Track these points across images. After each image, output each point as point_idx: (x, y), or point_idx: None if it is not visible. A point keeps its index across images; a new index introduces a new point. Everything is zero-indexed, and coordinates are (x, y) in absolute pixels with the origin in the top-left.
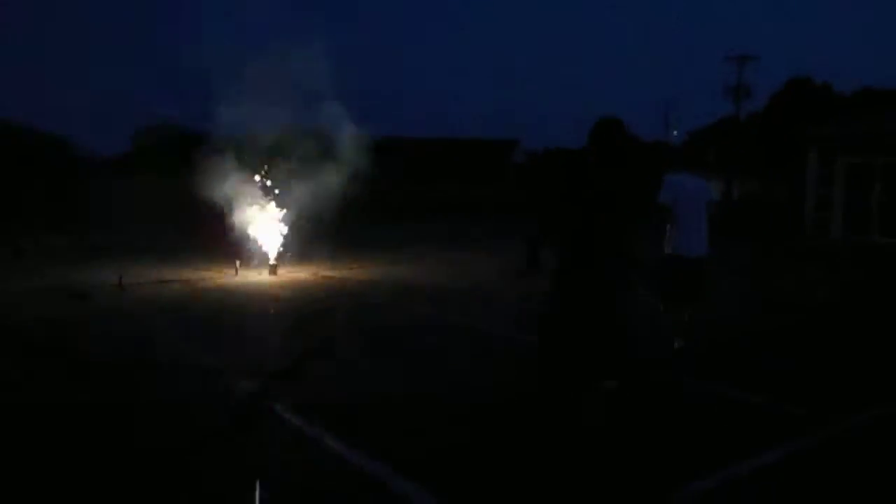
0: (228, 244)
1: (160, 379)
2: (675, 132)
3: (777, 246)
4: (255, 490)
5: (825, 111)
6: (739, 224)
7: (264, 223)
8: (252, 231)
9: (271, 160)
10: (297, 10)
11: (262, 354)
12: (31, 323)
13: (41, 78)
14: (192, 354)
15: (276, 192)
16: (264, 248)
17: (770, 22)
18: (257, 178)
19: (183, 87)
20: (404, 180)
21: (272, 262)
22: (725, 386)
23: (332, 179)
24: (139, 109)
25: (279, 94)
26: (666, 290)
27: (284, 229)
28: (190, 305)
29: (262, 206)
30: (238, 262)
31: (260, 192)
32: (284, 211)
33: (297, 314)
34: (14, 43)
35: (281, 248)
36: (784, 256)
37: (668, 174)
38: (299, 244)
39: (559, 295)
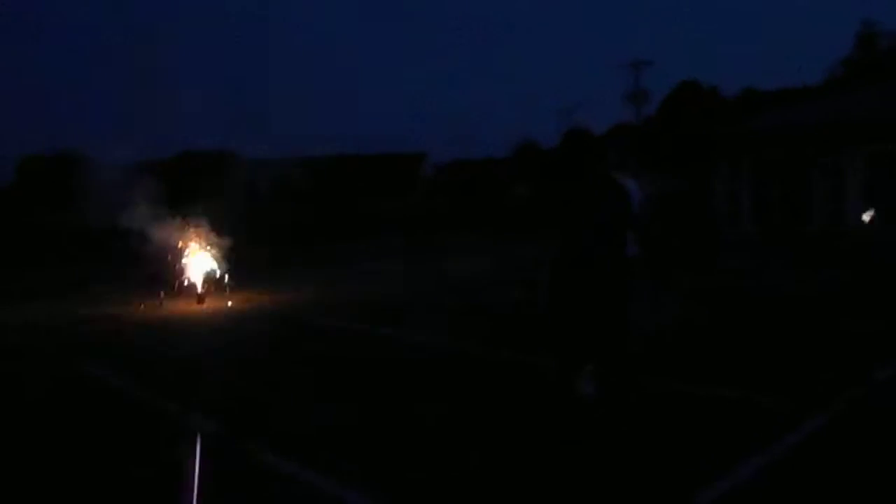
0: (148, 275)
1: (115, 423)
2: None
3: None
4: None
5: (715, 113)
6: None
7: (186, 251)
8: (173, 260)
9: (178, 185)
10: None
11: (212, 391)
12: None
13: None
14: (131, 393)
15: (191, 218)
16: (188, 277)
17: (663, 28)
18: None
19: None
20: (313, 199)
21: (199, 290)
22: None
23: (241, 203)
24: (24, 137)
25: (173, 115)
26: None
27: (208, 257)
28: (114, 341)
29: (182, 234)
30: (161, 294)
31: (175, 220)
32: (203, 238)
33: (234, 345)
34: None
35: (206, 276)
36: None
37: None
38: (223, 271)
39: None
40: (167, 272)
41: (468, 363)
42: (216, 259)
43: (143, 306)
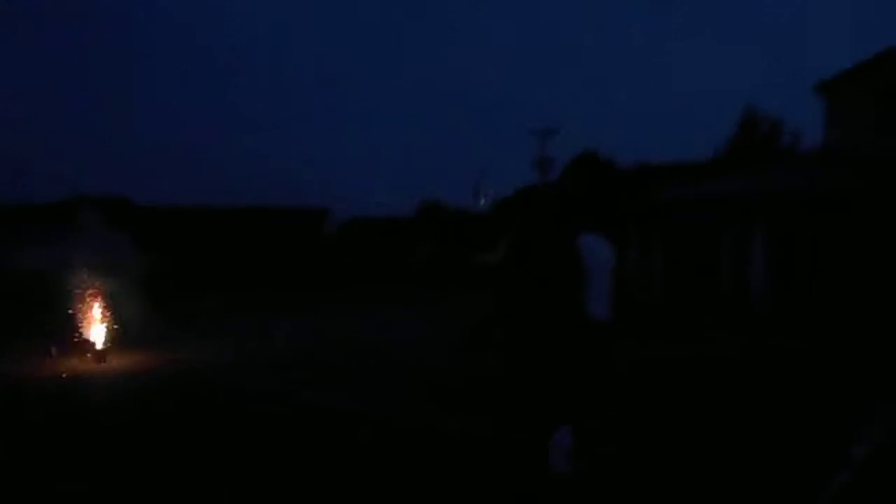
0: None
1: None
2: (482, 201)
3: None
4: None
5: (612, 182)
6: None
7: (78, 302)
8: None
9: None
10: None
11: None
12: None
13: None
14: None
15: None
16: (84, 331)
17: (565, 99)
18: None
19: None
20: (205, 250)
21: (99, 347)
22: None
23: (133, 253)
24: None
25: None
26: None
27: (103, 310)
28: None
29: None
30: (53, 349)
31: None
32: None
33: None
34: None
35: (106, 331)
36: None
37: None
38: (123, 325)
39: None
40: (61, 324)
41: (418, 435)
42: (112, 312)
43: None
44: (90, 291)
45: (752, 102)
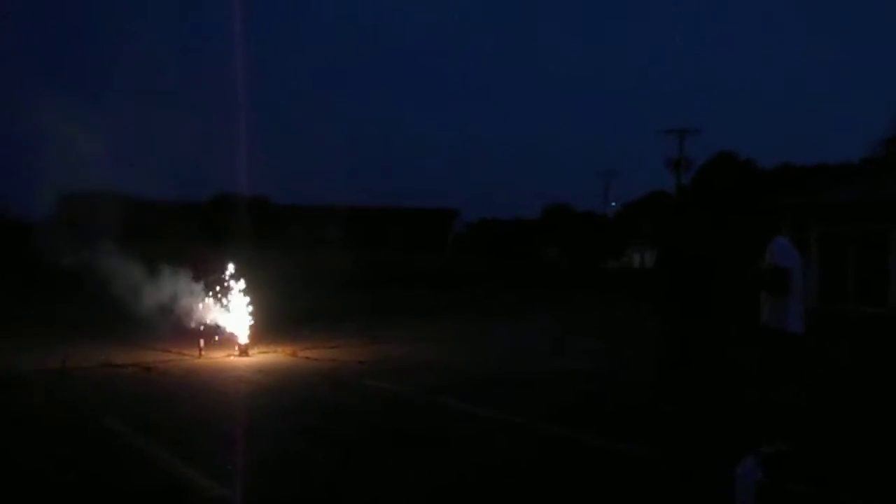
0: (188, 322)
1: None
2: (613, 203)
3: None
4: None
5: (751, 184)
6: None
7: (228, 298)
8: (213, 306)
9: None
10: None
11: (274, 472)
12: None
13: None
14: (186, 474)
15: (230, 265)
16: (230, 326)
17: (701, 97)
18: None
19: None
20: (346, 249)
21: (242, 341)
22: None
23: (275, 249)
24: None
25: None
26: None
27: (248, 305)
28: (153, 396)
29: (223, 281)
30: (202, 342)
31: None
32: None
33: (288, 409)
34: None
35: (250, 326)
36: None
37: (775, 237)
38: (264, 320)
39: None
40: (203, 320)
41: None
42: (253, 307)
43: (201, 353)
44: (232, 286)
45: None
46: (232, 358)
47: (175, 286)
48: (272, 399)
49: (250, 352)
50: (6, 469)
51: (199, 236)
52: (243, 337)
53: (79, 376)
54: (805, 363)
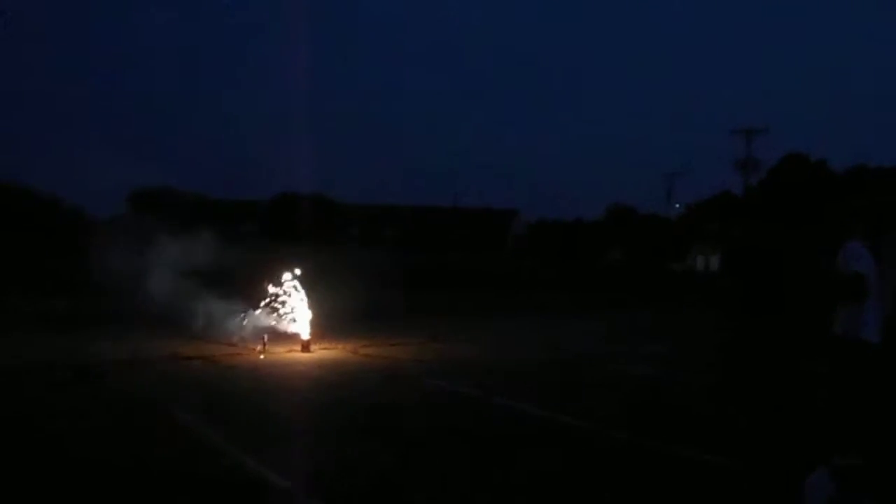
0: (252, 319)
1: None
2: (677, 205)
3: None
4: None
5: (824, 186)
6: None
7: (290, 296)
8: (276, 304)
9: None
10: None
11: (337, 466)
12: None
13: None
14: (248, 465)
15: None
16: (292, 324)
17: (768, 97)
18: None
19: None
20: (405, 248)
21: (304, 337)
22: None
23: (337, 247)
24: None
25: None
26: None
27: (310, 302)
28: (219, 389)
29: (287, 279)
30: (265, 338)
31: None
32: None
33: (354, 403)
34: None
35: (311, 323)
36: None
37: (848, 241)
38: (325, 318)
39: None
40: (267, 317)
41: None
42: (315, 305)
43: (263, 350)
44: (295, 285)
45: None
46: (294, 354)
47: (240, 284)
48: (333, 394)
49: (312, 348)
50: (79, 457)
51: (262, 234)
52: (305, 333)
53: (148, 368)
54: (882, 374)
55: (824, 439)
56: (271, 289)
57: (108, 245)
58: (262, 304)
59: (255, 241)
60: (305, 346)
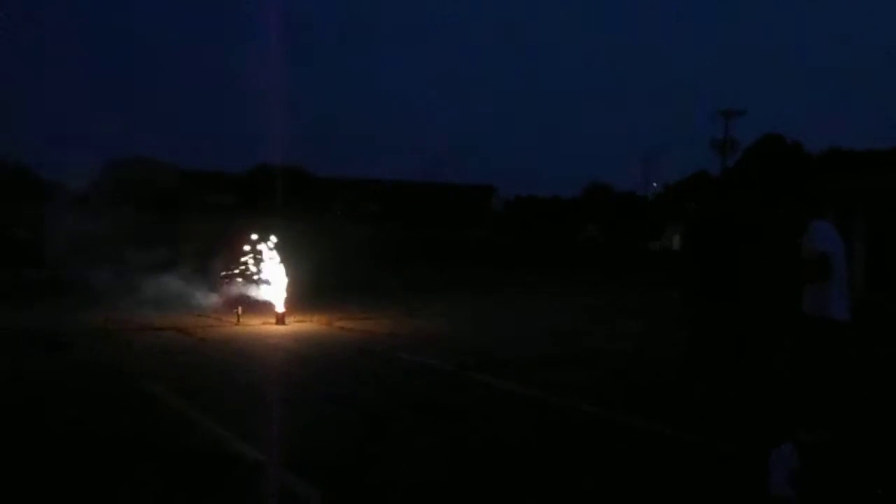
0: (226, 290)
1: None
2: (654, 184)
3: None
4: None
5: (800, 166)
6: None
7: (265, 267)
8: (251, 276)
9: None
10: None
11: (310, 438)
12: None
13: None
14: (225, 438)
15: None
16: (267, 295)
17: (747, 80)
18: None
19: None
20: (383, 223)
21: (279, 310)
22: None
23: (314, 221)
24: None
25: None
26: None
27: (285, 275)
28: (191, 360)
29: (262, 251)
30: (239, 310)
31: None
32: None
33: (328, 376)
34: None
35: (286, 295)
36: None
37: (815, 221)
38: (301, 290)
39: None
40: (241, 288)
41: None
42: (290, 278)
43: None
44: (272, 257)
45: None
46: (268, 326)
47: (213, 254)
48: (307, 366)
49: (286, 320)
50: (50, 428)
51: (239, 206)
52: (280, 306)
53: (120, 338)
54: (849, 352)
55: (789, 415)
56: (244, 256)
57: (81, 216)
58: (235, 270)
59: (230, 212)
60: (280, 319)
